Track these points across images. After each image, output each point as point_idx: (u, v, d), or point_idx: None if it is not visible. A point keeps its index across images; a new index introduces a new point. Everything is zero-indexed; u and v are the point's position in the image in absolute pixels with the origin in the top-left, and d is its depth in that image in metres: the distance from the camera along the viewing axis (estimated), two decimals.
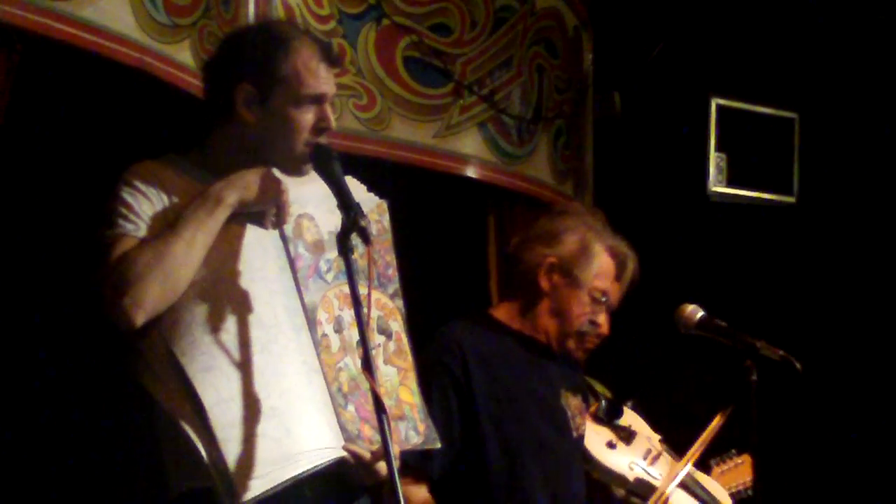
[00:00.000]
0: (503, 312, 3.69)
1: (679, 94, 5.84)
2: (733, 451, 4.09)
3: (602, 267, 3.62)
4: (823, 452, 5.88)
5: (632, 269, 3.66)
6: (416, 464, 3.36)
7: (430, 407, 3.25)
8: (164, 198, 2.78)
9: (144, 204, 2.76)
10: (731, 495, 4.08)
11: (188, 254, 2.68)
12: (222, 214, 2.72)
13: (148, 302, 2.65)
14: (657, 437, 3.94)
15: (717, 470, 4.10)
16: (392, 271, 2.93)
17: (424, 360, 3.45)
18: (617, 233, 3.69)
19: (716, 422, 3.82)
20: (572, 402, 3.68)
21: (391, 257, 2.93)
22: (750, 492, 4.12)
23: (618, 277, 3.65)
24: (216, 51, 2.97)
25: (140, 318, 2.65)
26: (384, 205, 2.95)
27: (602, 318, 3.64)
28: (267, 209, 2.78)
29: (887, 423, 5.85)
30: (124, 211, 2.75)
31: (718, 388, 3.52)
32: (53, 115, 3.85)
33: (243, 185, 2.75)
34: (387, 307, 2.90)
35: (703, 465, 4.02)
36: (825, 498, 5.81)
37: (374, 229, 2.88)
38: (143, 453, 2.75)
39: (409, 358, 2.93)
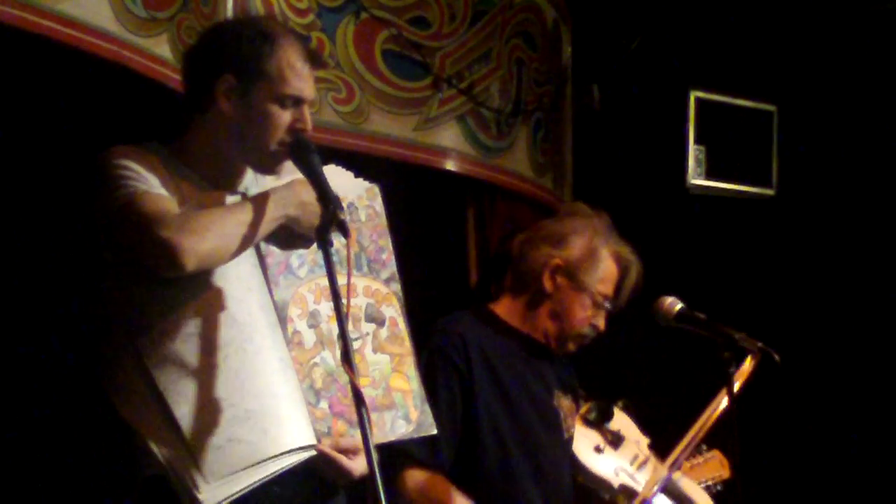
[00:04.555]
0: (504, 309, 3.70)
1: (658, 87, 5.85)
2: (703, 445, 4.09)
3: (607, 272, 3.64)
4: (801, 444, 5.90)
5: (635, 275, 3.68)
6: (425, 458, 3.39)
7: (434, 396, 3.24)
8: (153, 180, 2.69)
9: (144, 174, 2.68)
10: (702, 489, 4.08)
11: (238, 229, 2.62)
12: (266, 228, 2.68)
13: (203, 252, 2.58)
14: (646, 440, 3.93)
15: (686, 465, 4.10)
16: (386, 255, 2.90)
17: (428, 349, 3.48)
18: (622, 237, 3.70)
19: (698, 424, 3.81)
20: (564, 403, 3.70)
21: (385, 241, 2.91)
22: (720, 486, 4.14)
23: (621, 283, 3.67)
24: (200, 39, 2.93)
25: (192, 265, 2.57)
26: (375, 188, 2.93)
27: (601, 322, 3.66)
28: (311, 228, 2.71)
29: (865, 415, 5.88)
30: (129, 174, 2.66)
31: (702, 383, 3.52)
32: (30, 108, 3.83)
33: (295, 203, 2.71)
34: (379, 293, 2.88)
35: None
36: (803, 489, 5.84)
37: (363, 214, 2.88)
38: (113, 439, 2.73)
39: (407, 343, 2.89)
